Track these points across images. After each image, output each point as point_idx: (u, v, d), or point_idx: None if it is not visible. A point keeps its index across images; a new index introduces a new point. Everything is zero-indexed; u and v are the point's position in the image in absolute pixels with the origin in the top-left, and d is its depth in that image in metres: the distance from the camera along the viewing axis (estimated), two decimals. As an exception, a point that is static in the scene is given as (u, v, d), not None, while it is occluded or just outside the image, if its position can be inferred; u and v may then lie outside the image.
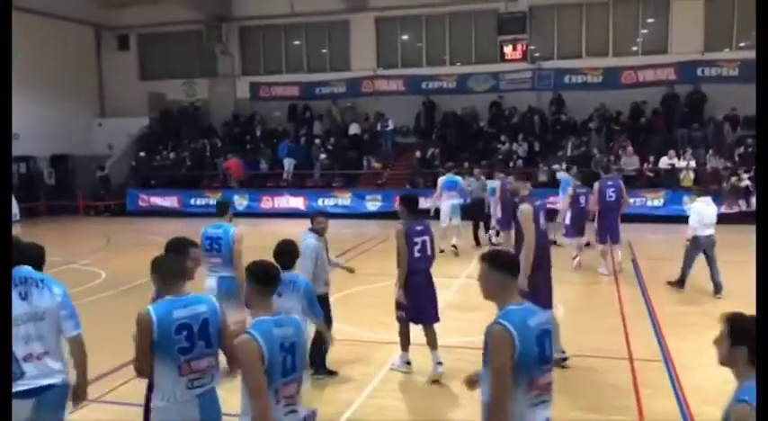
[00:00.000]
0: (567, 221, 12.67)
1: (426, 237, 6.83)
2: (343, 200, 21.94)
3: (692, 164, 19.62)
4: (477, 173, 15.75)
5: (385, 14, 24.99)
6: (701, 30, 21.81)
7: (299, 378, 3.59)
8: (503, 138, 22.26)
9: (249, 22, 26.82)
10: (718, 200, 17.35)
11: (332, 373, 6.91)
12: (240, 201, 22.02)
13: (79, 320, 4.27)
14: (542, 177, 20.27)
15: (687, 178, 19.03)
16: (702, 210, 9.93)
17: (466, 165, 17.86)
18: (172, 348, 3.71)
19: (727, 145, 20.27)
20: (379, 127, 24.05)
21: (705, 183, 16.81)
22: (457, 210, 14.25)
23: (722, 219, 16.27)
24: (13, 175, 23.42)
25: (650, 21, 23.07)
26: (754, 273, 3.16)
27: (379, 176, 22.88)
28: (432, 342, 6.88)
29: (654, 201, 19.10)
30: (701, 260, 10.10)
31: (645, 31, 23.13)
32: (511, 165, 20.02)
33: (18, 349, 3.95)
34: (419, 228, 6.83)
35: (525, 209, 6.71)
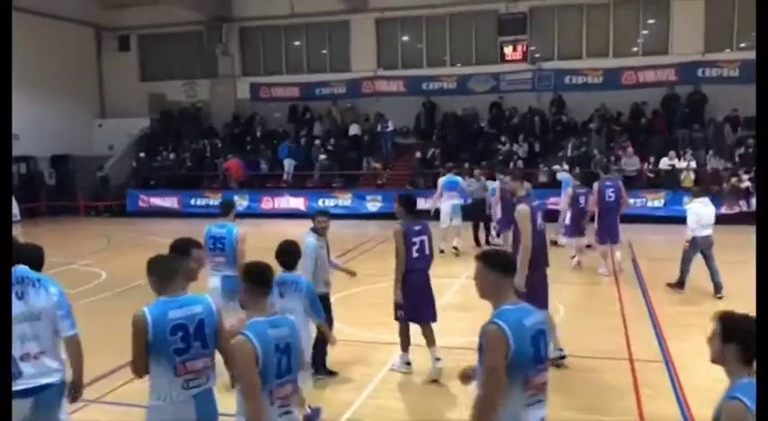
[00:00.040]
0: (567, 221, 12.68)
1: (425, 237, 6.83)
2: (344, 200, 21.93)
3: (693, 164, 19.62)
4: (477, 173, 15.74)
5: (385, 15, 24.98)
6: (702, 30, 21.80)
7: (294, 379, 3.59)
8: (503, 138, 22.26)
9: (249, 23, 26.83)
10: (717, 200, 17.42)
11: (332, 374, 6.91)
12: (240, 202, 21.96)
13: (75, 320, 4.27)
14: (542, 178, 20.28)
15: (688, 179, 19.03)
16: (700, 211, 9.94)
17: (466, 165, 17.85)
18: (167, 349, 3.71)
19: (727, 146, 20.27)
20: (379, 128, 24.05)
21: (705, 184, 16.81)
22: (457, 211, 14.26)
23: (722, 219, 16.32)
24: (14, 176, 23.43)
25: (651, 21, 23.08)
26: (755, 274, 3.16)
27: (379, 177, 22.87)
28: (429, 339, 6.91)
29: (654, 201, 19.11)
30: (699, 260, 10.11)
31: (645, 31, 23.13)
32: (511, 165, 20.01)
33: (15, 349, 3.96)
34: (417, 227, 6.83)
35: (522, 209, 6.72)
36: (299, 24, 26.12)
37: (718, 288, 9.91)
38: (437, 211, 14.49)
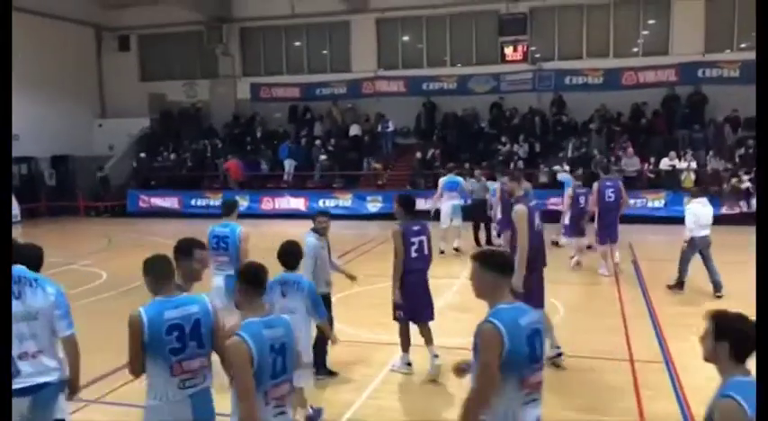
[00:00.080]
0: (567, 221, 12.69)
1: (423, 237, 6.85)
2: (344, 201, 21.93)
3: (693, 165, 19.62)
4: (477, 174, 15.75)
5: (385, 15, 24.99)
6: (702, 31, 21.80)
7: (289, 379, 3.61)
8: (503, 139, 22.25)
9: (250, 23, 26.83)
10: (717, 201, 17.43)
11: (332, 374, 6.91)
12: (241, 202, 21.73)
13: (72, 320, 4.29)
14: (543, 178, 20.28)
15: (688, 179, 19.03)
16: (699, 211, 9.95)
17: (467, 166, 17.87)
18: (163, 349, 3.73)
19: (727, 146, 20.27)
20: (379, 128, 24.05)
21: (706, 185, 16.80)
22: (458, 211, 14.26)
23: (723, 220, 16.35)
24: (14, 176, 23.43)
25: (651, 22, 23.08)
26: (755, 274, 3.16)
27: (380, 177, 22.87)
28: (427, 338, 6.94)
29: (655, 202, 19.11)
30: (698, 261, 10.12)
31: (645, 32, 23.13)
32: (512, 166, 20.01)
33: (13, 348, 3.97)
34: (416, 228, 6.85)
35: (520, 209, 6.72)
36: (300, 25, 26.12)
37: (717, 287, 9.92)
38: (437, 212, 14.49)
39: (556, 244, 13.53)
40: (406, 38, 25.66)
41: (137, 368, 3.81)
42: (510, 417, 3.20)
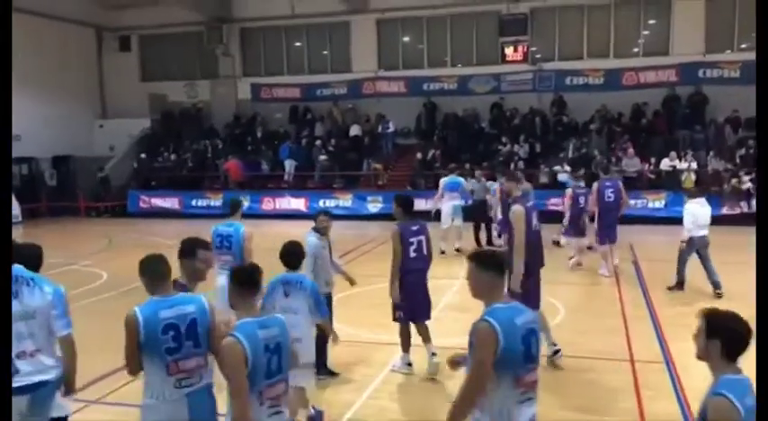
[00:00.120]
0: (567, 221, 12.71)
1: (422, 237, 6.86)
2: (345, 201, 21.93)
3: (694, 165, 19.61)
4: (478, 174, 15.75)
5: (386, 16, 24.99)
6: (703, 31, 21.80)
7: (285, 378, 3.62)
8: (504, 139, 22.25)
9: (250, 24, 26.84)
10: (718, 201, 17.43)
11: (333, 374, 6.91)
12: (241, 203, 21.96)
13: (70, 320, 4.31)
14: (543, 179, 20.28)
15: (689, 180, 19.02)
16: (697, 211, 9.96)
17: (467, 166, 17.87)
18: (159, 348, 3.75)
19: (727, 146, 20.27)
20: (379, 128, 24.06)
21: (707, 185, 16.79)
22: (458, 212, 14.26)
23: (723, 220, 16.37)
24: (15, 177, 23.45)
25: (651, 22, 23.08)
26: (755, 274, 3.17)
27: (380, 178, 22.87)
28: (425, 337, 6.97)
29: (655, 202, 19.10)
30: (697, 261, 10.13)
31: (646, 32, 23.13)
32: (512, 166, 20.01)
33: None
34: (415, 228, 6.87)
35: (517, 210, 6.72)
36: (300, 25, 26.13)
37: (716, 286, 9.94)
38: (438, 212, 14.49)
39: (557, 244, 13.53)
40: (406, 38, 25.66)
41: (133, 367, 3.84)
42: (505, 416, 3.22)
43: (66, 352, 4.26)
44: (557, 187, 18.58)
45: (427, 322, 7.06)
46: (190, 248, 4.22)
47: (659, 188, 19.35)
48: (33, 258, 4.43)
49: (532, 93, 23.08)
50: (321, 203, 21.29)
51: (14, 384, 3.96)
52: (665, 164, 19.81)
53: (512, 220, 6.75)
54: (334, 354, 6.97)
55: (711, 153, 20.04)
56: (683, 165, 19.65)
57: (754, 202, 16.96)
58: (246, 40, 27.24)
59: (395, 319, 7.02)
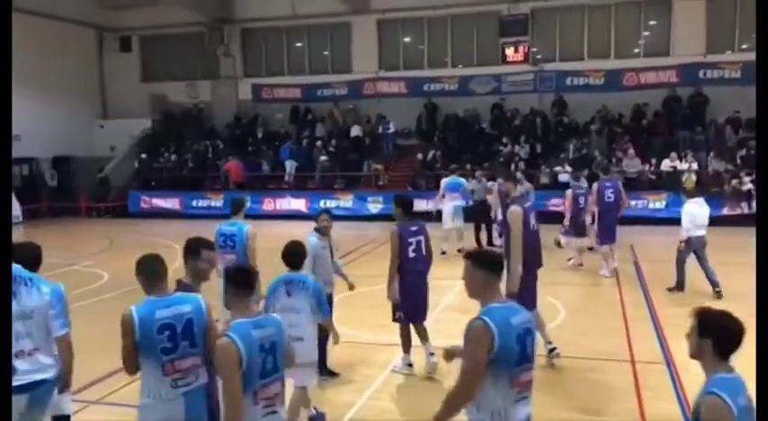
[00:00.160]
0: (567, 221, 12.73)
1: (421, 237, 6.88)
2: (345, 202, 21.93)
3: (694, 166, 19.60)
4: (479, 175, 15.75)
5: (387, 17, 25.01)
6: (703, 32, 21.80)
7: (280, 378, 3.62)
8: (504, 140, 22.25)
9: (251, 24, 26.85)
10: (718, 202, 17.43)
11: (334, 374, 6.91)
12: (242, 203, 21.94)
13: (67, 320, 4.33)
14: (544, 179, 20.28)
15: (689, 180, 19.01)
16: (695, 211, 9.97)
17: (468, 167, 17.87)
18: (154, 348, 3.76)
19: (728, 147, 20.26)
20: (380, 129, 24.06)
21: (707, 186, 16.77)
22: (459, 212, 14.27)
23: (724, 221, 16.36)
24: (16, 177, 23.47)
25: (652, 23, 23.08)
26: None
27: (381, 178, 22.88)
28: (423, 336, 7.01)
29: (656, 203, 19.09)
30: (696, 263, 10.13)
31: (647, 33, 23.13)
32: (513, 167, 20.00)
33: None
34: (413, 228, 6.89)
35: (514, 210, 6.72)
36: (301, 26, 26.14)
37: (715, 285, 9.96)
38: (438, 213, 14.49)
39: (558, 244, 13.53)
40: (407, 39, 25.67)
41: (130, 367, 3.86)
42: (502, 415, 3.24)
43: (63, 352, 4.28)
44: (557, 188, 18.57)
45: (427, 323, 7.07)
46: (194, 248, 4.25)
47: (660, 189, 19.35)
48: (32, 257, 4.45)
49: (533, 93, 23.08)
50: (322, 204, 21.27)
51: (14, 383, 3.98)
52: (666, 165, 19.80)
53: (509, 221, 6.76)
54: (335, 355, 6.97)
55: (712, 154, 20.04)
56: (683, 165, 19.63)
57: (754, 203, 16.96)
58: (247, 40, 27.25)
59: (395, 320, 7.04)
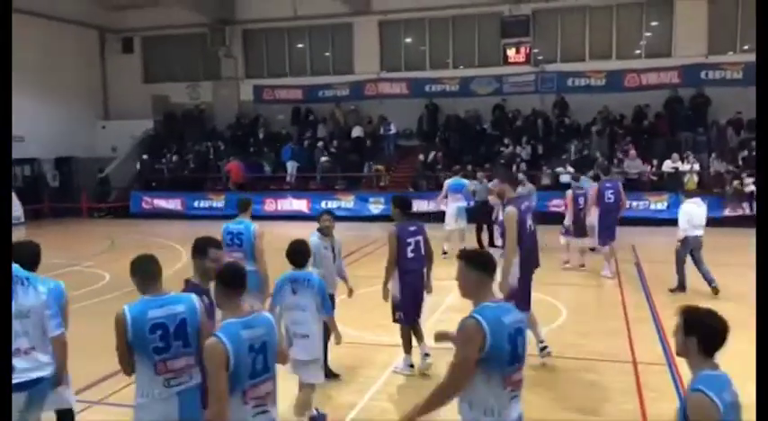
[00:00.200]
0: (567, 221, 12.73)
1: (420, 238, 6.91)
2: (347, 202, 21.94)
3: (696, 167, 19.58)
4: (480, 176, 15.75)
5: (388, 18, 25.02)
6: (705, 33, 21.79)
7: (271, 377, 3.62)
8: (506, 140, 22.24)
9: (252, 26, 26.88)
10: (720, 203, 17.42)
11: (334, 376, 6.91)
12: (244, 204, 21.94)
13: (62, 320, 4.35)
14: (545, 180, 20.27)
15: (691, 181, 19.00)
16: (692, 211, 9.99)
17: (469, 168, 17.86)
18: (146, 347, 3.78)
19: (730, 148, 20.24)
20: (381, 130, 24.07)
21: (709, 187, 16.73)
22: (462, 213, 14.28)
23: (726, 222, 16.34)
24: (18, 178, 23.52)
25: (654, 24, 23.07)
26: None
27: (382, 179, 22.88)
28: (419, 336, 7.04)
29: (657, 204, 19.07)
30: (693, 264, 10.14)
31: (648, 34, 23.12)
32: (514, 168, 20.00)
33: None
34: (412, 228, 6.92)
35: (509, 211, 6.72)
36: (302, 27, 26.15)
37: (711, 282, 10.00)
38: (438, 214, 14.49)
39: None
40: (408, 40, 25.67)
41: (126, 367, 3.89)
42: (495, 413, 3.26)
43: (57, 351, 4.29)
44: (559, 188, 18.56)
45: (428, 323, 7.09)
46: (202, 247, 4.28)
47: (661, 190, 19.33)
48: (30, 257, 4.47)
49: (534, 94, 23.07)
50: (323, 205, 21.31)
51: (13, 381, 3.99)
52: (668, 166, 19.79)
53: (505, 222, 6.76)
54: (337, 356, 6.98)
55: (713, 155, 20.02)
56: (685, 167, 19.62)
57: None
58: (249, 41, 27.27)
59: (395, 321, 7.06)
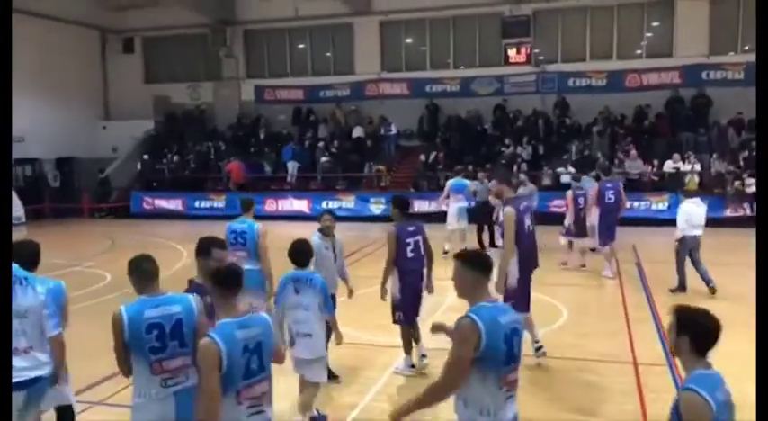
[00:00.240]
0: (567, 222, 12.73)
1: (419, 238, 6.92)
2: (347, 203, 21.94)
3: (697, 167, 19.57)
4: (481, 176, 15.75)
5: (389, 18, 25.03)
6: (706, 33, 21.77)
7: (267, 377, 3.61)
8: (507, 141, 22.24)
9: (253, 26, 26.89)
10: (721, 203, 17.40)
11: (334, 377, 6.90)
12: (245, 204, 21.95)
13: (60, 320, 4.37)
14: (546, 180, 20.26)
15: (692, 182, 18.99)
16: (691, 211, 9.99)
17: (470, 168, 17.86)
18: (143, 347, 3.79)
19: (731, 149, 20.23)
20: (382, 130, 24.07)
21: (710, 187, 16.71)
22: (464, 214, 14.29)
23: (727, 222, 16.32)
24: (19, 178, 23.53)
25: (655, 24, 23.06)
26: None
27: (383, 179, 22.88)
28: (416, 336, 7.06)
29: (658, 204, 19.06)
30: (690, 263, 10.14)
31: (649, 34, 23.11)
32: (515, 168, 20.01)
33: None
34: (411, 228, 6.93)
35: (508, 211, 6.73)
36: (303, 27, 26.16)
37: (708, 282, 10.00)
38: (439, 214, 14.49)
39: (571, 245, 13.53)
40: (409, 40, 25.68)
41: (124, 367, 3.90)
42: (491, 413, 3.26)
43: (55, 351, 4.31)
44: (560, 189, 18.56)
45: (428, 323, 7.07)
46: (205, 247, 4.30)
47: (662, 190, 19.32)
48: (29, 256, 4.48)
49: (535, 94, 23.07)
50: (324, 205, 21.32)
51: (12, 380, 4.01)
52: (668, 166, 19.78)
53: (503, 222, 6.76)
54: (337, 357, 6.97)
55: (715, 155, 20.01)
56: (686, 167, 19.61)
57: (757, 204, 16.92)
58: (250, 41, 27.28)
59: (395, 321, 7.06)
